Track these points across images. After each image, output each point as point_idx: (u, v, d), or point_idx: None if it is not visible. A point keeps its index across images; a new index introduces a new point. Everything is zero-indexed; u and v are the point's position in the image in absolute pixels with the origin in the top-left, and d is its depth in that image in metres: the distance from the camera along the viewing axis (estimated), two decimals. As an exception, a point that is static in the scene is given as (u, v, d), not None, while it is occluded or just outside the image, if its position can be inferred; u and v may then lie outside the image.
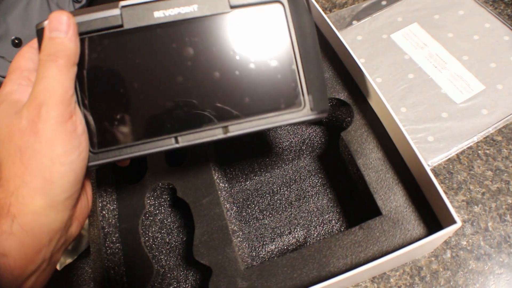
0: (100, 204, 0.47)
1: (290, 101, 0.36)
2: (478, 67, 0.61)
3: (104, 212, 0.46)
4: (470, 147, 0.56)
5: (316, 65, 0.37)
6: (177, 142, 0.35)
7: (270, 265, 0.40)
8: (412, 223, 0.40)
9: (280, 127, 0.37)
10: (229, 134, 0.35)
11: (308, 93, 0.36)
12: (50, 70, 0.31)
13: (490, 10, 0.66)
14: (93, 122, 0.35)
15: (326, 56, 0.51)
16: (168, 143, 0.35)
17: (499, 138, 0.56)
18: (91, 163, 0.35)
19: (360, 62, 0.64)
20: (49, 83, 0.31)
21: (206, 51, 0.35)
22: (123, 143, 0.35)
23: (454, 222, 0.35)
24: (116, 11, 0.34)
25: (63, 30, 0.31)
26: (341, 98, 0.48)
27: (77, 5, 0.79)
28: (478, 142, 0.56)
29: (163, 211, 0.50)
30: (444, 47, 0.64)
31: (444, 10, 0.68)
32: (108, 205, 0.47)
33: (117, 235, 0.46)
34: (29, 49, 0.35)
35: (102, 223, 0.45)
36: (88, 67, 0.34)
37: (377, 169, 0.43)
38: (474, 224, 0.51)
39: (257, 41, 0.35)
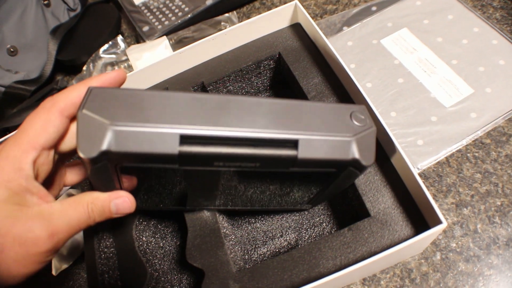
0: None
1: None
2: (467, 71, 0.62)
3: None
4: (459, 150, 0.56)
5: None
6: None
7: (261, 267, 0.40)
8: (400, 224, 0.40)
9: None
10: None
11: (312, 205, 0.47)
12: (78, 221, 0.32)
13: (478, 15, 0.67)
14: None
15: (315, 62, 0.52)
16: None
17: (488, 141, 0.56)
18: None
19: (350, 67, 0.66)
20: (64, 217, 0.32)
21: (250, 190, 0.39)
22: None
23: (440, 222, 0.36)
24: (174, 149, 0.28)
25: (116, 211, 0.35)
26: None
27: (72, 13, 0.80)
28: (467, 145, 0.56)
29: (156, 215, 0.50)
30: (433, 52, 0.65)
31: (433, 15, 0.69)
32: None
33: (111, 239, 0.46)
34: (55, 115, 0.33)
35: (96, 228, 0.46)
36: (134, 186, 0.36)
37: (365, 171, 0.44)
38: (464, 226, 0.51)
39: (298, 193, 0.42)
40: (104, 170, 0.30)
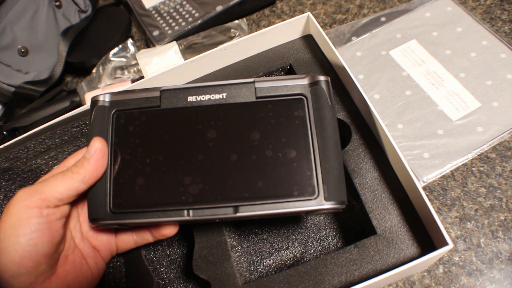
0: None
1: (303, 188, 0.37)
2: (474, 85, 0.62)
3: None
4: (464, 164, 0.57)
5: (334, 155, 0.38)
6: (188, 215, 0.37)
7: (267, 281, 0.41)
8: (406, 242, 0.41)
9: (291, 214, 0.37)
10: (239, 214, 0.37)
11: (323, 182, 0.37)
12: (63, 176, 0.37)
13: (487, 28, 0.67)
14: (116, 184, 0.39)
15: (325, 74, 0.52)
16: (180, 215, 0.37)
17: (493, 156, 0.57)
18: (107, 221, 0.38)
19: (359, 78, 0.66)
20: (51, 182, 0.36)
21: (227, 134, 0.38)
22: (139, 208, 0.38)
23: (446, 244, 0.37)
24: (156, 93, 0.40)
25: (90, 155, 0.38)
26: (340, 118, 0.49)
27: (83, 15, 0.80)
28: (472, 159, 0.57)
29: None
30: (441, 64, 0.65)
31: (442, 27, 0.69)
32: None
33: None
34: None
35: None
36: (123, 137, 0.40)
37: (373, 188, 0.44)
38: (467, 240, 0.52)
39: (276, 129, 0.38)
40: (103, 113, 0.40)
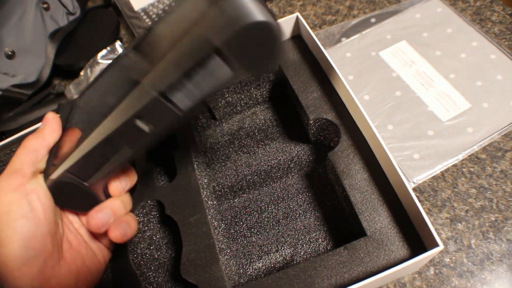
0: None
1: None
2: (464, 85, 0.62)
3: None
4: (454, 165, 0.57)
5: None
6: None
7: (257, 284, 0.40)
8: (396, 244, 0.40)
9: None
10: None
11: None
12: (23, 147, 0.38)
13: (477, 29, 0.68)
14: None
15: (315, 76, 0.52)
16: None
17: (483, 156, 0.57)
18: None
19: (349, 79, 0.66)
20: (18, 157, 0.37)
21: None
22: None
23: (437, 245, 0.36)
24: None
25: (44, 123, 0.39)
26: (329, 118, 0.48)
27: (71, 17, 0.80)
28: (462, 160, 0.57)
29: (151, 227, 0.50)
30: (431, 65, 0.65)
31: (433, 28, 0.69)
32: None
33: (106, 252, 0.46)
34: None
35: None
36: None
37: (362, 190, 0.44)
38: (458, 241, 0.51)
39: None
40: (66, 108, 0.41)
